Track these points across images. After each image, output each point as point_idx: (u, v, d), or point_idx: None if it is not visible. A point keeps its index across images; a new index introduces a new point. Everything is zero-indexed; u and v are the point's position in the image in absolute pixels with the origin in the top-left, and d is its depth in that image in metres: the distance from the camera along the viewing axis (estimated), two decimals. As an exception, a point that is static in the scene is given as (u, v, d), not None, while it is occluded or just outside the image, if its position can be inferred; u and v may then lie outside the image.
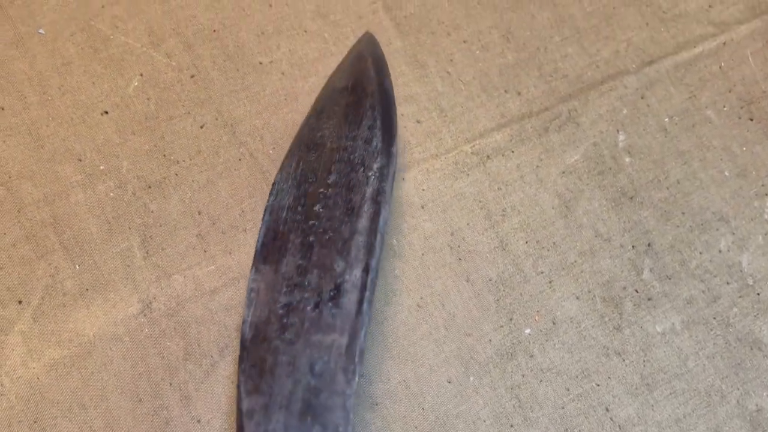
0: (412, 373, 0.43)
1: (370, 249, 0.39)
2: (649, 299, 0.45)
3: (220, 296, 0.43)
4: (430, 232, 0.45)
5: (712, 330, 0.44)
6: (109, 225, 0.44)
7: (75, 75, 0.47)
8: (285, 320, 0.38)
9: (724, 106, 0.48)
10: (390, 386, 0.43)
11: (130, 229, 0.44)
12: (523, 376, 0.43)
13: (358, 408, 0.42)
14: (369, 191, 0.40)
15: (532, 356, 0.43)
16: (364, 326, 0.37)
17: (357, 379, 0.36)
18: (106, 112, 0.46)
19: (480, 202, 0.46)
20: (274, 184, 0.42)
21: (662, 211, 0.46)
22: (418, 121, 0.47)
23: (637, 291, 0.45)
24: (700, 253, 0.46)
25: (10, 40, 0.47)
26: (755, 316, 0.45)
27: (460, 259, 0.45)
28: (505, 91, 0.48)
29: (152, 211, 0.45)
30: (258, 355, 0.38)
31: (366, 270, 0.38)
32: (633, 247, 0.46)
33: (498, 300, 0.44)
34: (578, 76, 0.48)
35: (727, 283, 0.45)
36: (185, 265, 0.44)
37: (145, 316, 0.43)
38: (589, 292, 0.45)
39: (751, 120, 0.48)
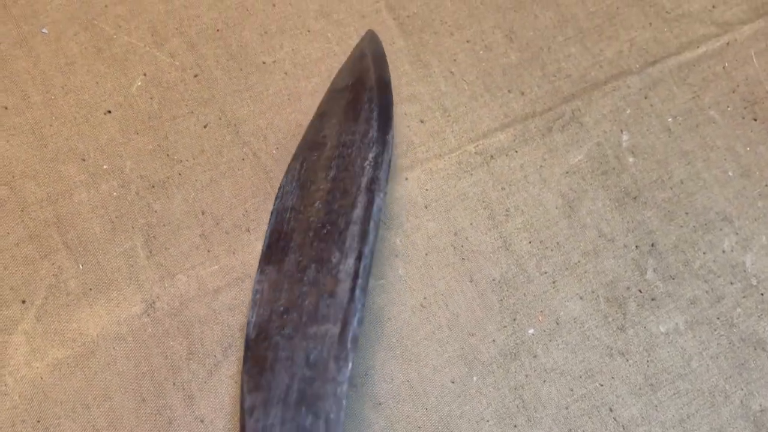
0: (415, 373, 0.43)
1: (363, 237, 0.38)
2: (652, 299, 0.45)
3: (224, 296, 0.43)
4: (434, 232, 0.45)
5: (715, 330, 0.44)
6: (113, 224, 0.44)
7: (78, 74, 0.47)
8: (285, 317, 0.38)
9: (728, 107, 0.48)
10: (393, 386, 0.43)
11: (133, 228, 0.44)
12: (526, 376, 0.43)
13: (362, 407, 0.42)
14: (364, 181, 0.40)
15: (535, 356, 0.43)
16: (357, 313, 0.37)
17: (350, 365, 0.36)
18: (110, 112, 0.46)
19: (483, 202, 0.46)
20: (280, 187, 0.42)
21: (666, 211, 0.46)
22: (422, 121, 0.47)
23: (640, 291, 0.45)
24: (704, 253, 0.46)
25: (13, 40, 0.47)
26: (759, 316, 0.45)
27: (463, 259, 0.45)
28: (509, 91, 0.48)
29: (156, 211, 0.45)
30: (260, 354, 0.38)
31: (359, 258, 0.38)
32: (636, 247, 0.46)
33: (501, 300, 0.44)
34: (581, 76, 0.48)
35: (731, 284, 0.45)
36: (189, 265, 0.44)
37: (148, 315, 0.43)
38: (593, 292, 0.45)
39: (755, 120, 0.48)
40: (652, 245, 0.46)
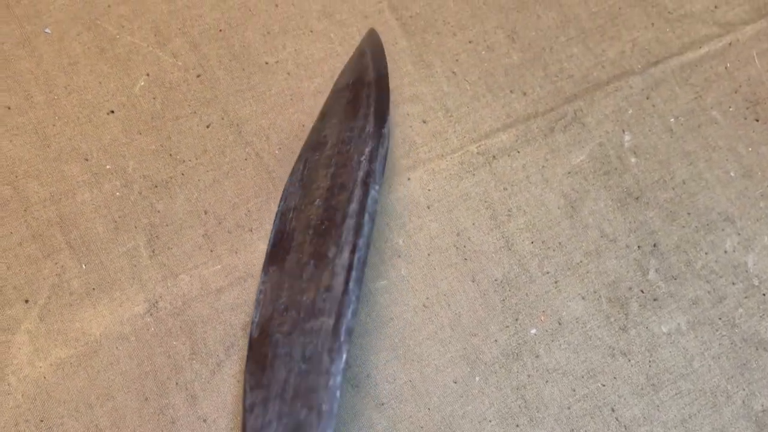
0: (417, 373, 0.43)
1: (357, 229, 0.38)
2: (654, 300, 0.45)
3: (227, 295, 0.44)
4: (436, 232, 0.45)
5: (717, 330, 0.44)
6: (116, 224, 0.44)
7: (81, 74, 0.47)
8: (285, 314, 0.38)
9: (730, 107, 0.48)
10: (396, 386, 0.43)
11: (136, 228, 0.44)
12: (528, 376, 0.43)
13: (364, 408, 0.42)
14: (360, 175, 0.40)
15: (537, 356, 0.44)
16: (351, 305, 0.36)
17: (344, 357, 0.35)
18: (113, 112, 0.46)
19: (486, 202, 0.46)
20: (284, 189, 0.42)
21: (668, 211, 0.46)
22: (424, 121, 0.47)
23: (642, 291, 0.45)
24: (706, 253, 0.46)
25: (16, 40, 0.47)
26: (761, 316, 0.45)
27: (465, 259, 0.45)
28: (511, 92, 0.48)
29: (158, 211, 0.45)
30: (261, 352, 0.38)
31: (353, 250, 0.38)
32: (639, 247, 0.46)
33: (504, 300, 0.44)
34: (584, 77, 0.48)
35: (733, 284, 0.45)
36: (191, 265, 0.44)
37: (151, 315, 0.43)
38: (595, 292, 0.45)
39: (757, 121, 0.48)
40: (654, 245, 0.46)
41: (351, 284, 0.37)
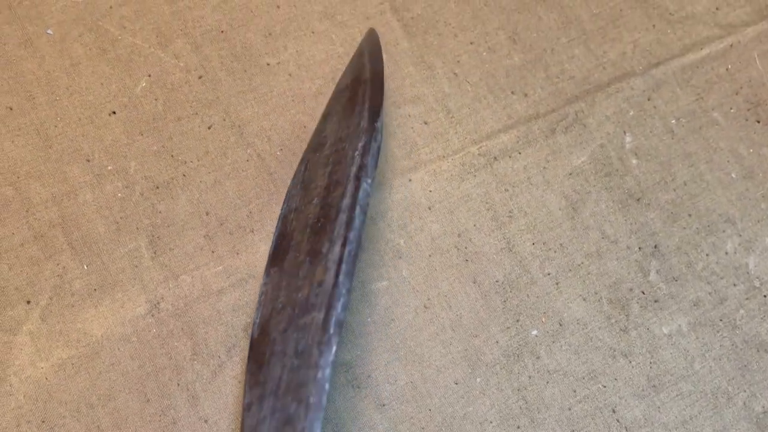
0: (419, 374, 0.43)
1: (348, 222, 0.38)
2: (655, 301, 0.45)
3: (228, 296, 0.44)
4: (437, 234, 0.45)
5: (718, 332, 0.44)
6: (117, 225, 0.44)
7: (83, 75, 0.47)
8: (282, 312, 0.38)
9: (731, 108, 0.48)
10: (397, 387, 0.43)
11: (138, 229, 0.44)
12: (530, 377, 0.43)
13: (365, 408, 0.42)
14: (353, 170, 0.40)
15: (538, 358, 0.44)
16: (341, 297, 0.36)
17: (333, 349, 0.35)
18: (114, 113, 0.46)
19: (487, 203, 0.46)
20: (287, 192, 0.43)
21: (669, 212, 0.46)
22: (425, 123, 0.47)
23: (643, 293, 0.45)
24: (707, 255, 0.46)
25: (18, 41, 0.47)
26: (762, 318, 0.45)
27: (467, 260, 0.45)
28: (512, 93, 0.48)
29: (160, 212, 0.45)
30: (260, 351, 0.38)
31: (344, 243, 0.38)
32: (640, 248, 0.46)
33: (505, 301, 0.44)
34: (585, 78, 0.48)
35: (734, 285, 0.45)
36: (193, 266, 0.44)
37: (152, 316, 0.43)
38: (596, 293, 0.45)
39: (758, 122, 0.48)
40: (655, 247, 0.46)
41: (341, 277, 0.36)
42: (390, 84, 0.48)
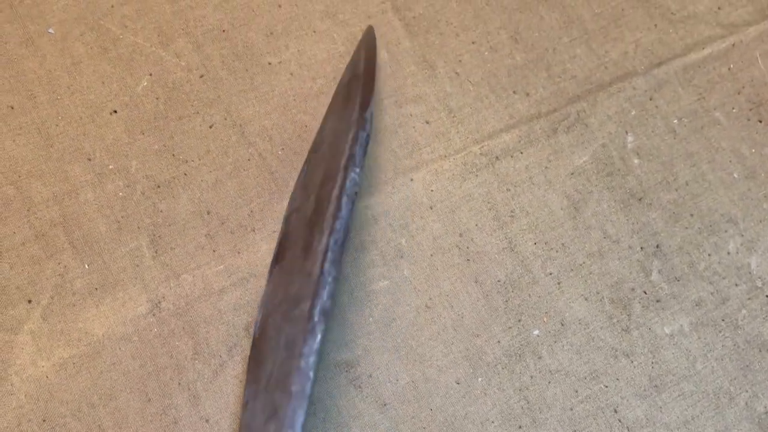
0: (420, 373, 0.43)
1: (335, 212, 0.38)
2: (657, 301, 0.45)
3: (229, 296, 0.44)
4: (439, 233, 0.45)
5: (720, 332, 0.44)
6: (119, 224, 0.44)
7: (84, 74, 0.47)
8: (278, 309, 0.38)
9: (733, 108, 0.48)
10: (398, 387, 0.43)
11: (139, 228, 0.44)
12: (531, 377, 0.43)
13: (367, 408, 0.42)
14: (342, 161, 0.40)
15: (540, 357, 0.43)
16: (327, 286, 0.36)
17: (318, 337, 0.35)
18: (116, 112, 0.46)
19: (488, 203, 0.46)
20: (292, 193, 0.43)
21: (671, 212, 0.46)
22: (427, 122, 0.47)
23: (645, 292, 0.45)
24: (709, 254, 0.46)
25: (20, 40, 0.47)
26: (764, 318, 0.45)
27: (468, 260, 0.45)
28: (514, 92, 0.48)
29: (161, 211, 0.45)
30: (259, 349, 0.38)
31: (330, 233, 0.37)
32: (641, 248, 0.46)
33: (506, 301, 0.44)
34: (587, 78, 0.48)
35: (736, 285, 0.45)
36: (194, 265, 0.44)
37: (154, 315, 0.43)
38: (598, 293, 0.45)
39: (760, 122, 0.48)
40: (657, 247, 0.46)
41: (327, 265, 0.36)
42: (391, 83, 0.48)
